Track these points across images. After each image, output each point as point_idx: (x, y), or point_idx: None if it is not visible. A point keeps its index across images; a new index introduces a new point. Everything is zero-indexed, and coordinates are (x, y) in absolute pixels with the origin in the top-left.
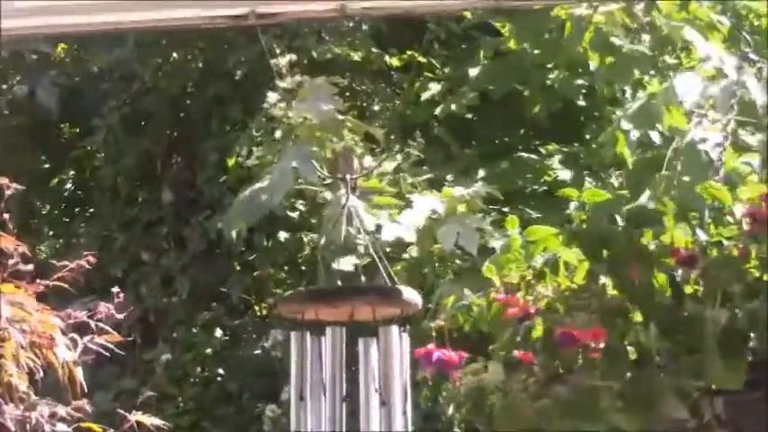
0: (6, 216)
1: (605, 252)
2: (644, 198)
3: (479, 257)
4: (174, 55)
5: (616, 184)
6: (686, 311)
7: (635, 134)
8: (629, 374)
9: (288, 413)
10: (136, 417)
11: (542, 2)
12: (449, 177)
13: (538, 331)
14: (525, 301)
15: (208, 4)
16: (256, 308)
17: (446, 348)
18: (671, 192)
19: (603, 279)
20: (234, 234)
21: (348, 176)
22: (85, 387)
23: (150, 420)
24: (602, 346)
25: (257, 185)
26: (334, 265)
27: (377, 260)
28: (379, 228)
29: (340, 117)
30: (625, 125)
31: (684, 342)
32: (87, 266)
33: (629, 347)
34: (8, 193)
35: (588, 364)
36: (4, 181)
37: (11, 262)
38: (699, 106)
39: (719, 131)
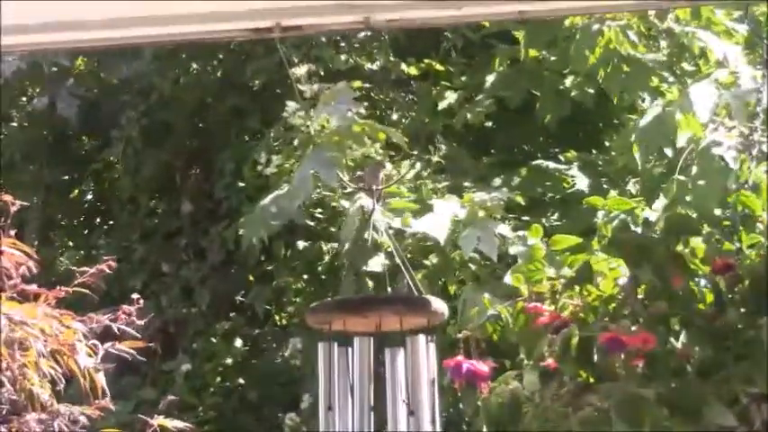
0: (13, 232)
1: (646, 260)
2: (659, 204)
3: (500, 264)
4: (194, 66)
5: (633, 191)
6: (729, 318)
7: (648, 146)
8: (671, 382)
9: (307, 421)
10: (158, 421)
11: (567, 13)
12: (467, 185)
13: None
14: (554, 310)
15: (233, 17)
16: (276, 317)
17: (474, 358)
18: (685, 197)
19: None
20: (255, 241)
21: (375, 187)
22: (108, 392)
23: (173, 423)
24: (645, 353)
25: (277, 193)
26: (365, 267)
27: (402, 268)
28: (403, 229)
29: (360, 122)
30: (639, 135)
31: (734, 349)
32: (108, 271)
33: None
34: (13, 209)
35: (630, 371)
36: (9, 198)
37: (14, 278)
38: (715, 114)
39: (737, 138)
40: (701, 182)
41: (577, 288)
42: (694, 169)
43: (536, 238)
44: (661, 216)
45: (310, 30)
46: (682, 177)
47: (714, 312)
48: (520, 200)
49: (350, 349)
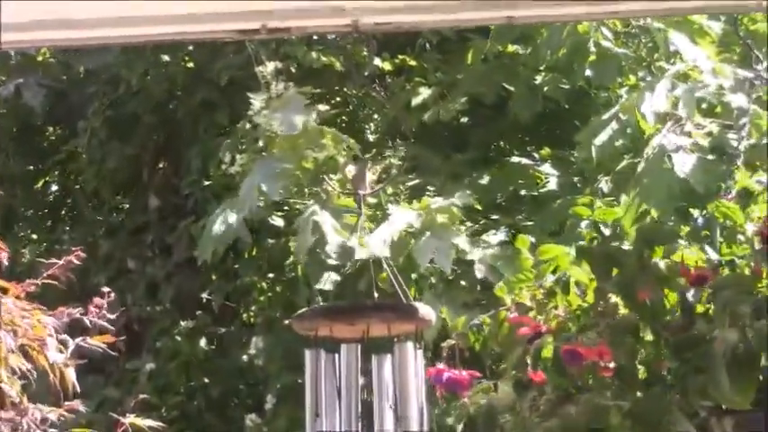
0: None
1: (615, 271)
2: (621, 206)
3: (461, 272)
4: (163, 58)
5: (605, 190)
6: (696, 331)
7: (604, 139)
8: (638, 393)
9: (270, 422)
10: (130, 420)
11: (555, 20)
12: (435, 185)
13: (548, 351)
14: (537, 320)
15: (219, 19)
16: (240, 316)
17: (456, 368)
18: (640, 200)
19: (615, 298)
20: (209, 259)
21: (360, 192)
22: (78, 387)
23: (145, 422)
24: (612, 365)
25: (226, 205)
26: (317, 286)
27: (390, 276)
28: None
29: (318, 127)
30: (598, 129)
31: (692, 361)
32: (77, 263)
33: (639, 366)
34: None
35: (599, 383)
36: None
37: None
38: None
39: (704, 138)
40: (645, 181)
41: (560, 298)
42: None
43: (523, 247)
44: (623, 217)
45: (297, 32)
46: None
47: (682, 325)
48: (476, 204)
49: (337, 356)
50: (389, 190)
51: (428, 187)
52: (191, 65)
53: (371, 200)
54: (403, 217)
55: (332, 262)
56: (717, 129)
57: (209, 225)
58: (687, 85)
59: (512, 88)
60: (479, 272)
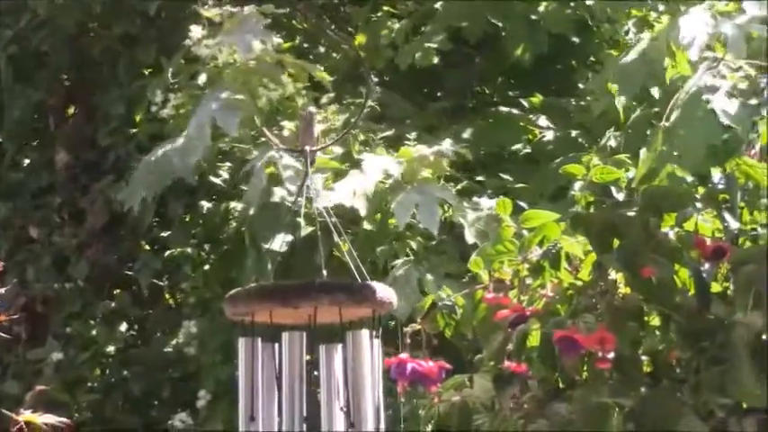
0: None
1: (615, 242)
2: (641, 163)
3: (443, 235)
4: None
5: (614, 146)
6: (712, 315)
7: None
8: (642, 390)
9: (204, 423)
10: (24, 417)
11: None
12: (411, 136)
13: (534, 338)
14: (520, 301)
15: None
16: (167, 296)
17: (423, 358)
18: (671, 153)
19: (614, 275)
20: (135, 206)
21: (308, 148)
22: None
23: (43, 419)
24: (611, 355)
25: (167, 145)
26: (266, 245)
27: (343, 248)
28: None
29: (277, 55)
30: (619, 75)
31: (708, 351)
32: None
33: (644, 357)
34: None
35: (596, 376)
36: None
37: None
38: (709, 49)
39: (742, 81)
40: (681, 132)
41: (547, 275)
42: (674, 116)
43: (505, 213)
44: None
45: None
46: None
47: (696, 307)
48: (468, 155)
49: (277, 346)
50: (360, 137)
51: (407, 139)
52: None
53: (336, 151)
54: (379, 164)
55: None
56: (754, 72)
57: (141, 164)
58: (733, 18)
59: (499, 23)
60: (470, 236)
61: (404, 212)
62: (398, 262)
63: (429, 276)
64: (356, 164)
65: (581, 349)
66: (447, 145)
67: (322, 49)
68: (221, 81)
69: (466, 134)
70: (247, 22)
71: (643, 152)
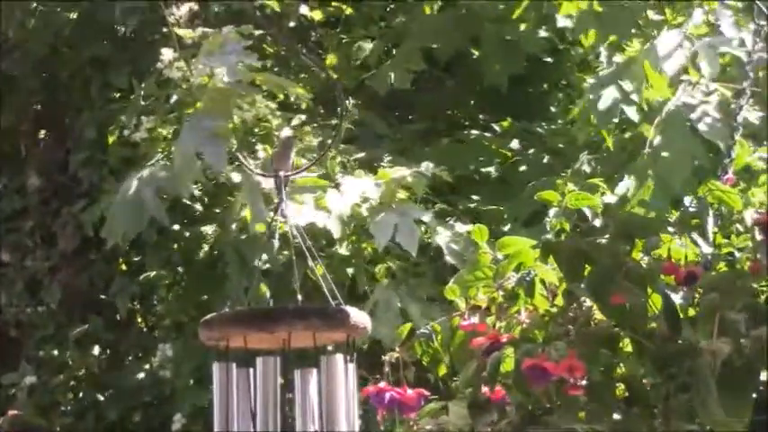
0: None
1: (584, 270)
2: (622, 187)
3: (422, 257)
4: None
5: (588, 170)
6: (682, 340)
7: (605, 107)
8: (615, 416)
9: None
10: None
11: None
12: (386, 158)
13: (508, 364)
14: (497, 328)
15: None
16: (140, 318)
17: (402, 386)
18: (650, 176)
19: (589, 302)
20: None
21: (282, 173)
22: None
23: None
24: (584, 382)
25: (145, 173)
26: (257, 262)
27: (316, 272)
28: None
29: (252, 73)
30: (596, 96)
31: (678, 377)
32: None
33: (618, 384)
34: None
35: (569, 403)
36: None
37: None
38: (685, 72)
39: (716, 105)
40: (664, 154)
41: (522, 302)
42: (657, 139)
43: (482, 240)
44: (632, 202)
45: None
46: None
47: (667, 333)
48: (447, 176)
49: (252, 371)
50: (338, 158)
51: (380, 161)
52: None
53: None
54: (357, 187)
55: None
56: (730, 93)
57: (118, 200)
58: (706, 39)
59: (471, 45)
60: (450, 257)
61: (383, 233)
62: (378, 285)
63: (409, 301)
64: (335, 185)
65: (550, 377)
66: (425, 166)
67: (294, 74)
68: (197, 104)
69: (437, 156)
70: (228, 43)
71: (625, 182)
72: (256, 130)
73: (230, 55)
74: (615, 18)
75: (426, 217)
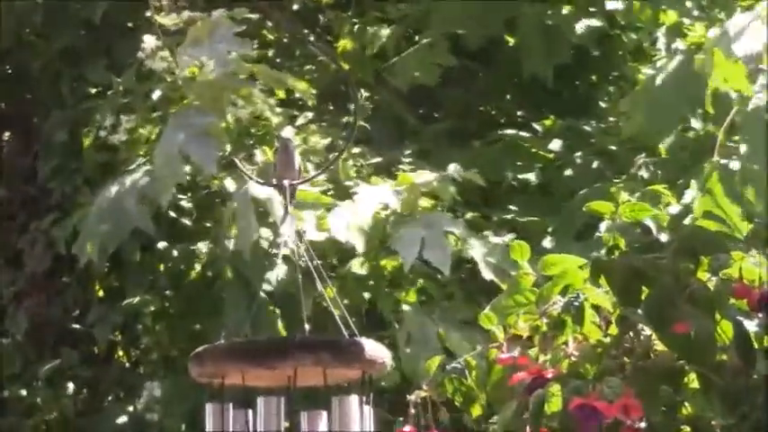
0: None
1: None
2: (688, 197)
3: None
4: None
5: (645, 176)
6: (756, 374)
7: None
8: None
9: None
10: None
11: None
12: (405, 162)
13: (554, 404)
14: (541, 361)
15: None
16: (122, 352)
17: (430, 430)
18: (728, 187)
19: (648, 330)
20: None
21: (286, 182)
22: None
23: None
24: (642, 424)
25: (123, 181)
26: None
27: (326, 296)
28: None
29: (248, 65)
30: (656, 89)
31: (751, 417)
32: None
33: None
34: None
35: None
36: None
37: None
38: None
39: None
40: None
41: (570, 330)
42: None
43: (522, 259)
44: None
45: None
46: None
47: (739, 366)
48: (478, 180)
49: (251, 412)
50: (350, 162)
51: (399, 165)
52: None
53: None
54: (375, 195)
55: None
56: None
57: (94, 211)
58: None
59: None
60: (487, 273)
61: (409, 249)
62: (407, 312)
63: (446, 327)
64: (346, 194)
65: (603, 418)
66: (454, 169)
67: (299, 65)
68: (184, 101)
69: (467, 161)
70: (218, 29)
71: (691, 191)
72: (253, 129)
73: (220, 43)
74: None
75: (458, 228)
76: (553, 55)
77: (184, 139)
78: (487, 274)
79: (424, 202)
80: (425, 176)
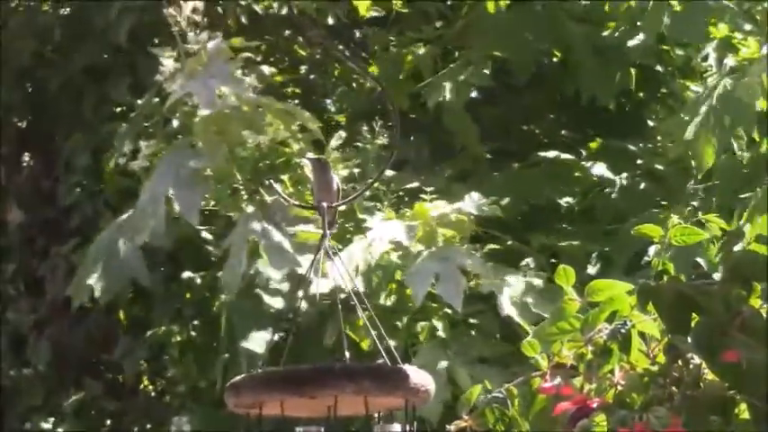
0: None
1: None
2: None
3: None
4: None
5: (695, 203)
6: None
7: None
8: None
9: None
10: None
11: None
12: (435, 188)
13: None
14: (586, 391)
15: None
16: (148, 383)
17: None
18: None
19: (698, 359)
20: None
21: (325, 204)
22: None
23: None
24: None
25: (123, 217)
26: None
27: (367, 322)
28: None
29: (257, 98)
30: (705, 109)
31: None
32: None
33: None
34: None
35: None
36: None
37: None
38: None
39: None
40: None
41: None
42: None
43: (567, 285)
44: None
45: None
46: None
47: None
48: (497, 212)
49: None
50: (366, 193)
51: (424, 192)
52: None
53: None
54: (386, 230)
55: (273, 304)
56: None
57: (90, 254)
58: None
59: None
60: (504, 309)
61: (420, 285)
62: (422, 348)
63: (458, 364)
64: (360, 228)
65: None
66: (472, 200)
67: (332, 85)
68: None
69: (506, 184)
70: (214, 62)
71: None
72: (272, 157)
73: (211, 79)
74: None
75: (475, 262)
76: (612, 76)
77: (173, 182)
78: (506, 309)
79: (445, 231)
80: (441, 208)
